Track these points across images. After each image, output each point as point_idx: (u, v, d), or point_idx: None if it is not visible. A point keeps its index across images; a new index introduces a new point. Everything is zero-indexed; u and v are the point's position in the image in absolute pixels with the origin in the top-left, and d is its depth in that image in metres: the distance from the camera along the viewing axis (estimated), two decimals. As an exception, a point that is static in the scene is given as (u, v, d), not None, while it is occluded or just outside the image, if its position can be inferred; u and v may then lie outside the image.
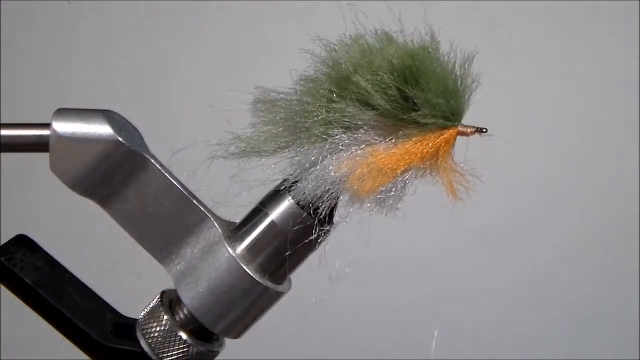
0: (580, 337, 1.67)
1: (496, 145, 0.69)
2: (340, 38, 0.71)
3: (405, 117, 0.69)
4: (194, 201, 0.73)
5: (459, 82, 0.69)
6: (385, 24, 0.71)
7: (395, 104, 0.69)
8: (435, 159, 0.70)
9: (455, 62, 0.69)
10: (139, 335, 0.76)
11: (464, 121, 0.70)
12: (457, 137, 0.70)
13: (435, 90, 0.68)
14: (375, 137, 0.70)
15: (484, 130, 0.70)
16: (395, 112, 0.69)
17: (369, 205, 0.71)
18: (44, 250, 0.79)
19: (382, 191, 0.70)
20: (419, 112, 0.68)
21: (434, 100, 0.68)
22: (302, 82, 0.72)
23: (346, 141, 0.70)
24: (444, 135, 0.69)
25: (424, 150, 0.69)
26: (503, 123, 0.73)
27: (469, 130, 0.70)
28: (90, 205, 0.76)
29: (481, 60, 0.69)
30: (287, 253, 0.74)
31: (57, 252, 0.82)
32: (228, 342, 0.79)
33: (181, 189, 0.73)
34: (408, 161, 0.70)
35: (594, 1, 1.63)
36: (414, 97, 0.68)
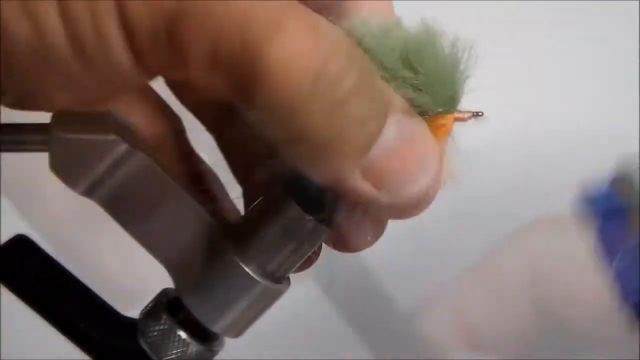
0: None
1: (492, 134, 0.69)
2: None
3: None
4: (194, 200, 0.73)
5: (457, 67, 0.67)
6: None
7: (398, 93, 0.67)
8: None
9: (453, 48, 0.67)
10: (138, 334, 0.76)
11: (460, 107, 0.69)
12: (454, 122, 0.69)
13: (440, 75, 0.67)
14: None
15: (480, 114, 0.70)
16: None
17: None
18: (44, 250, 0.79)
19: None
20: (423, 99, 0.67)
21: (437, 86, 0.67)
22: None
23: None
24: (444, 122, 0.68)
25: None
26: (501, 108, 0.72)
27: (465, 115, 0.69)
28: (91, 205, 0.76)
29: (477, 45, 0.68)
30: (287, 252, 0.73)
31: (57, 252, 0.82)
32: (228, 341, 0.79)
33: (181, 188, 0.73)
34: None
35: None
36: (418, 83, 0.67)
